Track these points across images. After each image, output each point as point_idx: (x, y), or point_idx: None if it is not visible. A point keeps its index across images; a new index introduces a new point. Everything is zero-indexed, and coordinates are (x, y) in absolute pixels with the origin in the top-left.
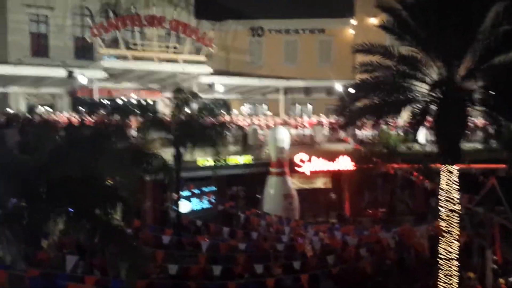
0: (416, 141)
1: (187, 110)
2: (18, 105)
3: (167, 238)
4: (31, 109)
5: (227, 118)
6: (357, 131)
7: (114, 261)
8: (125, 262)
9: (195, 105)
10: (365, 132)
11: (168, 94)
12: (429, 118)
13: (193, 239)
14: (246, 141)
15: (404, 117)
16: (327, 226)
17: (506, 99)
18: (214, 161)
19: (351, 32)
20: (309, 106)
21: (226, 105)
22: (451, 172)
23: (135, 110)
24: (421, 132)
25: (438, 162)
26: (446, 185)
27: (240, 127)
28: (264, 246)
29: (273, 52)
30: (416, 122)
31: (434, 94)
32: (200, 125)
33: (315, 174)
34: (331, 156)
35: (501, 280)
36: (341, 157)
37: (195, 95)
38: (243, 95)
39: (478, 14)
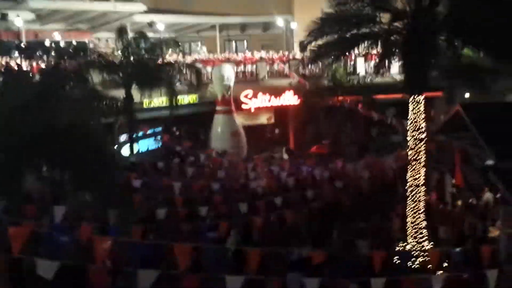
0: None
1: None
2: None
3: (138, 182)
4: None
5: (175, 57)
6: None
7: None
8: (115, 209)
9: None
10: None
11: (99, 35)
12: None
13: (162, 181)
14: (199, 80)
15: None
16: (288, 161)
17: (468, 25)
18: (168, 102)
19: None
20: (245, 43)
21: (175, 44)
22: (418, 102)
23: (74, 52)
24: (361, 64)
25: (404, 92)
26: (414, 114)
27: (190, 66)
28: (236, 185)
29: None
30: (386, 54)
31: (400, 25)
32: (152, 65)
33: (258, 110)
34: (276, 91)
35: (459, 202)
36: (285, 92)
37: (143, 35)
38: (177, 33)
39: None
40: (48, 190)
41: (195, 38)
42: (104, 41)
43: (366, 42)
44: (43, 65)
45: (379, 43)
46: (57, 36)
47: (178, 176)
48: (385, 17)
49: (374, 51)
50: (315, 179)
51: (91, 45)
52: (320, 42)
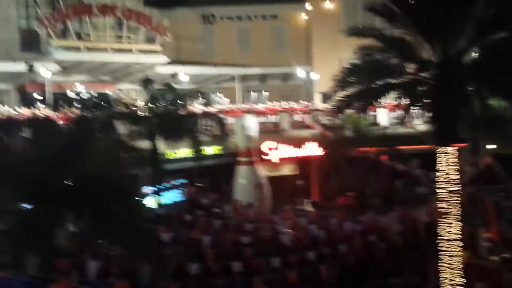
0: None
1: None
2: None
3: (166, 236)
4: None
5: (198, 107)
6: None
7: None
8: (148, 264)
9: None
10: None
11: (122, 86)
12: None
13: (190, 235)
14: (224, 131)
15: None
16: (317, 214)
17: (498, 75)
18: (193, 152)
19: (303, 17)
20: (264, 93)
21: (200, 95)
22: (447, 154)
23: (101, 103)
24: (382, 115)
25: (433, 144)
26: (445, 166)
27: (214, 117)
28: (265, 238)
29: (226, 40)
30: (412, 104)
31: (428, 75)
32: (177, 116)
33: (281, 161)
34: (298, 142)
35: (494, 257)
36: (308, 143)
37: (170, 86)
38: (197, 84)
39: None
40: (79, 244)
41: (215, 89)
42: (126, 92)
43: (391, 93)
44: (69, 116)
45: (405, 94)
46: (80, 87)
47: (206, 229)
48: (410, 67)
49: (396, 102)
50: (346, 233)
51: (113, 96)
52: (343, 92)
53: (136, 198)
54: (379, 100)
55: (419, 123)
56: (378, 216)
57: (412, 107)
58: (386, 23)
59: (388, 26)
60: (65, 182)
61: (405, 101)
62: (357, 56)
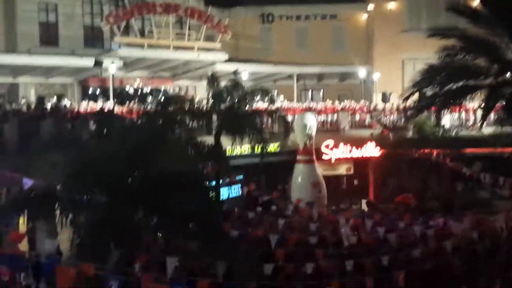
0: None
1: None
2: (28, 95)
3: (235, 232)
4: (41, 99)
5: (261, 105)
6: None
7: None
8: (226, 262)
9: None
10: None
11: (180, 82)
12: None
13: (255, 232)
14: (286, 128)
15: None
16: (381, 215)
17: None
18: (258, 150)
19: (364, 17)
20: (321, 92)
21: (265, 92)
22: None
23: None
24: (446, 117)
25: None
26: None
27: (277, 114)
28: (333, 239)
29: (284, 39)
30: (489, 106)
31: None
32: (243, 113)
33: (338, 160)
34: (357, 142)
35: None
36: (367, 143)
37: (237, 83)
38: (254, 82)
39: None
40: (152, 239)
41: (272, 87)
42: (184, 89)
43: (472, 94)
44: (133, 111)
45: (487, 95)
46: (140, 83)
47: (270, 227)
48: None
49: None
50: (417, 237)
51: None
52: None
53: (207, 193)
54: (458, 101)
55: (485, 126)
56: (448, 220)
57: (490, 110)
58: (469, 23)
59: (468, 26)
60: (138, 176)
61: (476, 104)
62: (439, 57)
